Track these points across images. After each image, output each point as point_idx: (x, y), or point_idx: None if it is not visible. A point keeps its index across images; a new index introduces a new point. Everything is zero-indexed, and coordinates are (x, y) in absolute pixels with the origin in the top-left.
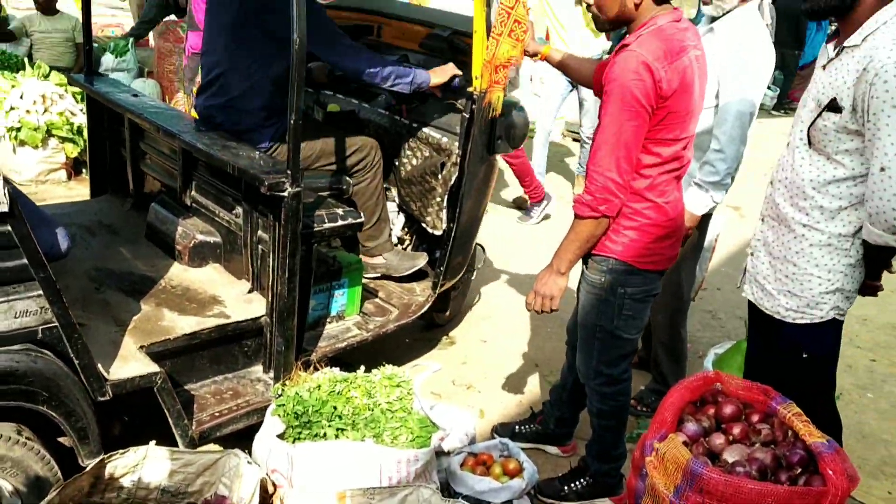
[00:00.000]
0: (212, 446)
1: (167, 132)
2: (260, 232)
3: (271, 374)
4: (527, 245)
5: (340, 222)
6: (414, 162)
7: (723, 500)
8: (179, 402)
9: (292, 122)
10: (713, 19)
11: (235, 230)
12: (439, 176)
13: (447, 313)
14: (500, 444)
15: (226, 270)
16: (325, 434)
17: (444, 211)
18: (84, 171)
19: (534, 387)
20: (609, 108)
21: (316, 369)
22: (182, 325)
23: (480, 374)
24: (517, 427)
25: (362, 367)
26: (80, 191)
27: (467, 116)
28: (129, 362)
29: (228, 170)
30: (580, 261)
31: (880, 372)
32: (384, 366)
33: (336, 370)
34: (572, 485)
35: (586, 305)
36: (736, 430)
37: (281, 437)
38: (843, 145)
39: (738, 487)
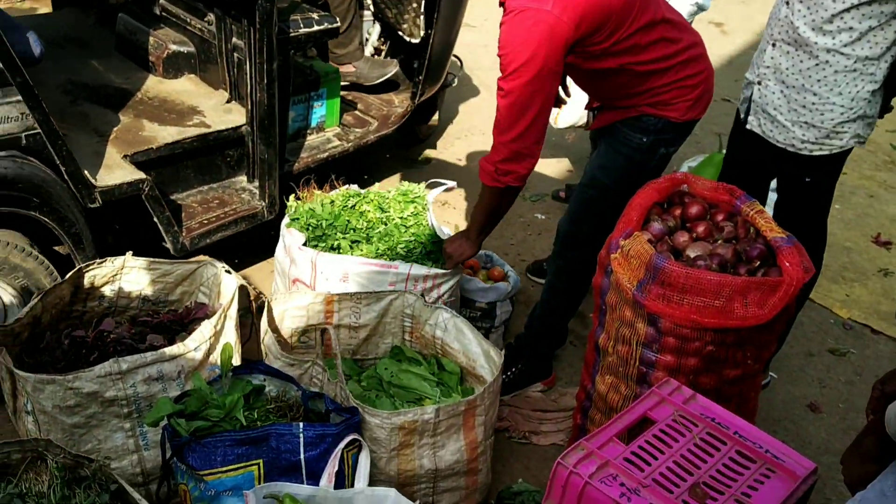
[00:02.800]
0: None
1: None
2: (235, 39)
3: (256, 184)
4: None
5: (316, 27)
6: None
7: (683, 291)
8: (168, 210)
9: None
10: None
11: (209, 38)
12: None
13: (427, 125)
14: (484, 256)
15: (202, 81)
16: (339, 246)
17: (422, 17)
18: None
19: None
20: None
21: (333, 188)
22: (163, 135)
23: (456, 192)
24: (544, 264)
25: (376, 185)
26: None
27: None
28: (115, 170)
29: None
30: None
31: (849, 184)
32: (401, 183)
33: (354, 186)
34: (507, 374)
35: (605, 165)
36: (700, 229)
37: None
38: None
39: (697, 279)
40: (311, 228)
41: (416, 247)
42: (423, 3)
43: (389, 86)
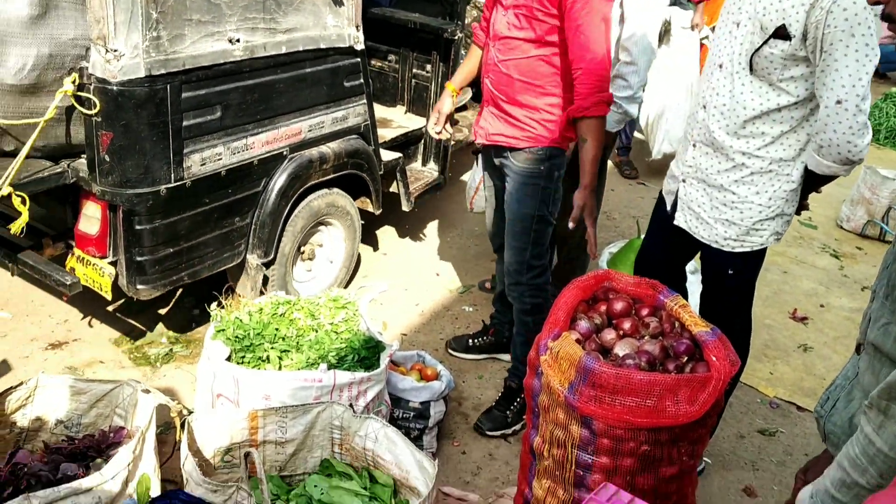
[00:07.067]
0: (104, 375)
1: None
2: (415, 70)
3: (432, 165)
4: None
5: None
6: None
7: (614, 392)
8: (405, 179)
9: None
10: None
11: (388, 72)
12: None
13: None
14: (416, 356)
15: (377, 102)
16: (268, 357)
17: None
18: None
19: (435, 295)
20: (585, 6)
21: (261, 293)
22: (384, 133)
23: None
24: (470, 340)
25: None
26: None
27: None
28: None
29: (409, 25)
30: (495, 158)
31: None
32: (330, 289)
33: (281, 293)
34: (511, 407)
35: (522, 198)
36: (626, 325)
37: (228, 360)
38: (788, 72)
39: (628, 379)
40: (238, 339)
41: (349, 353)
42: None
43: None
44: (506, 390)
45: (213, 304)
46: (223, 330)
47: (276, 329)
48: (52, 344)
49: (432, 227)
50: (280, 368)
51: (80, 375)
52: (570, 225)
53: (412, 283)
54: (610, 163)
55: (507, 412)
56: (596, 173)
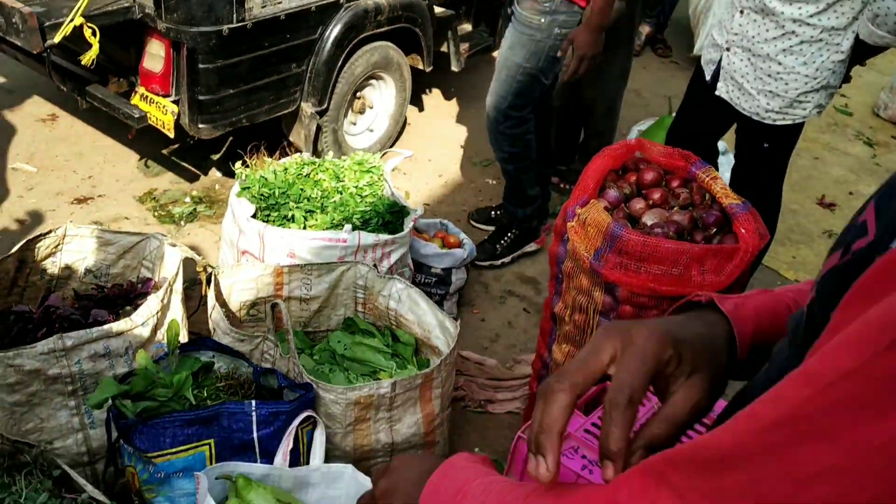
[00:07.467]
0: (131, 227)
1: None
2: None
3: (482, 28)
4: None
5: None
6: None
7: (641, 259)
8: (455, 37)
9: None
10: None
11: None
12: None
13: None
14: (439, 224)
15: None
16: (293, 216)
17: None
18: None
19: (458, 167)
20: None
21: (284, 154)
22: None
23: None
24: (492, 212)
25: (331, 153)
26: None
27: None
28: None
29: None
30: (509, 7)
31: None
32: (355, 152)
33: (305, 155)
34: (501, 241)
35: (514, 45)
36: (656, 195)
37: (253, 217)
38: None
39: (655, 247)
40: (263, 198)
41: (373, 217)
42: None
43: None
44: (497, 226)
45: (238, 163)
46: (248, 188)
47: (302, 189)
48: (78, 199)
49: (457, 100)
50: (304, 228)
51: None
52: (559, 53)
53: (436, 155)
54: (641, 42)
55: (497, 245)
56: (600, 13)
